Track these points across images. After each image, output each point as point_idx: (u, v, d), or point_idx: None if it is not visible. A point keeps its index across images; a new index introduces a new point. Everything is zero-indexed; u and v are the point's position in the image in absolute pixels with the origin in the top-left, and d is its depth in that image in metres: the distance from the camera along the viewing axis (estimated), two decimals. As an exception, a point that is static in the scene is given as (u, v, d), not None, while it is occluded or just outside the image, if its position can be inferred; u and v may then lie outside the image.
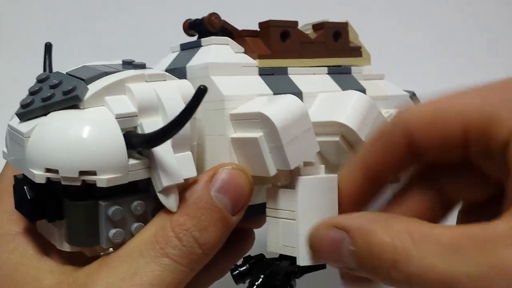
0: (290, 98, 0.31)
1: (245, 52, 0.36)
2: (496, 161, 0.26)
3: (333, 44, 0.39)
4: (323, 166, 0.33)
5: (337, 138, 0.34)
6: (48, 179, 0.28)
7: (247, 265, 0.33)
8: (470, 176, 0.30)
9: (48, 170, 0.28)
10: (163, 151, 0.29)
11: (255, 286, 0.33)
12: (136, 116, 0.29)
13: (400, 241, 0.24)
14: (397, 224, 0.25)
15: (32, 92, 0.31)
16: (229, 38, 0.36)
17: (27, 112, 0.30)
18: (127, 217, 0.29)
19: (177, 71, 0.36)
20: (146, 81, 0.31)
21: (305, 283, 0.36)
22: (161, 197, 0.29)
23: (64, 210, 0.29)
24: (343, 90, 0.38)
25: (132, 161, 0.29)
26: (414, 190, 0.31)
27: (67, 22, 0.61)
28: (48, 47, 0.35)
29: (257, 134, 0.31)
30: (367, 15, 0.65)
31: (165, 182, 0.29)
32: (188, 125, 0.29)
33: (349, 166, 0.32)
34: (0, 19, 0.63)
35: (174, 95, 0.30)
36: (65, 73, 0.32)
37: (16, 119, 0.31)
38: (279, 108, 0.31)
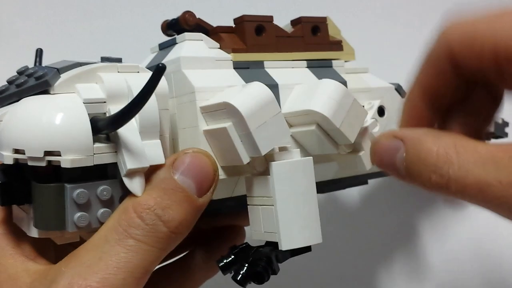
0: (256, 85, 0.32)
1: (220, 48, 0.36)
2: None
3: (312, 38, 0.40)
4: (298, 150, 0.33)
5: (313, 127, 0.34)
6: (17, 161, 0.29)
7: (232, 255, 0.33)
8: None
9: (16, 151, 0.29)
10: (129, 135, 0.29)
11: (239, 275, 0.33)
12: (104, 102, 0.30)
13: (444, 149, 0.27)
14: (445, 137, 0.28)
15: (9, 82, 0.32)
16: (203, 34, 0.36)
17: (1, 98, 0.31)
18: (93, 201, 0.30)
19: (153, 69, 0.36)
20: (119, 72, 0.31)
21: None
22: (126, 180, 0.29)
23: (32, 194, 0.30)
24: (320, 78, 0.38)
25: (97, 145, 0.29)
26: (466, 102, 0.33)
27: (67, 22, 0.61)
28: (39, 53, 0.36)
29: (226, 124, 0.31)
30: (353, 10, 0.65)
31: (130, 165, 0.29)
32: (156, 113, 0.30)
33: (408, 94, 0.33)
34: (0, 19, 0.64)
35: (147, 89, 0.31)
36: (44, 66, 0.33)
37: None
38: (244, 96, 0.31)
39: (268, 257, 0.32)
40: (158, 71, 0.26)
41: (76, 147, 0.29)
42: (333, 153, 0.35)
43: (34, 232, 0.31)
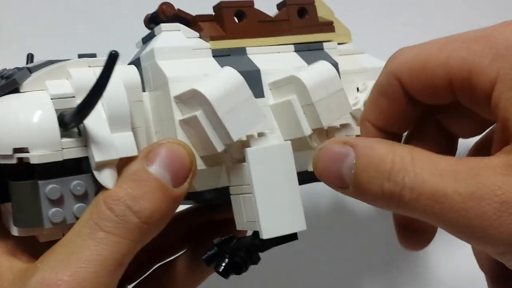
0: (225, 70, 0.31)
1: (200, 37, 0.36)
2: (483, 108, 0.27)
3: (298, 21, 0.38)
4: (278, 134, 0.32)
5: (289, 97, 0.33)
6: None
7: (215, 247, 0.33)
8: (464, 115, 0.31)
9: None
10: (97, 127, 0.29)
11: (221, 267, 0.32)
12: (73, 97, 0.30)
13: (400, 157, 0.26)
14: (400, 146, 0.27)
15: None
16: (180, 24, 0.36)
17: None
18: (67, 197, 0.30)
19: (134, 63, 0.36)
20: (90, 66, 0.31)
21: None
22: (96, 174, 0.29)
23: (9, 192, 0.30)
24: (309, 63, 0.37)
25: (66, 139, 0.29)
26: (419, 130, 0.34)
27: (67, 22, 0.62)
28: (29, 57, 0.36)
29: (197, 111, 0.30)
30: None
31: (97, 157, 0.29)
32: (125, 105, 0.30)
33: (361, 127, 0.33)
34: (0, 19, 0.66)
35: (113, 77, 0.30)
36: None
37: None
38: (212, 82, 0.30)
39: (248, 247, 0.31)
40: (110, 57, 0.26)
41: (43, 143, 0.29)
42: (301, 136, 0.33)
43: (14, 231, 0.31)
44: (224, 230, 0.39)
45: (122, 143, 0.30)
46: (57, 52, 0.65)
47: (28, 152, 0.29)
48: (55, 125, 0.29)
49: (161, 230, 0.30)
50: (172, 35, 0.35)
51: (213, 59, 0.35)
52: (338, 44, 0.40)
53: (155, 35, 0.36)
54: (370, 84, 0.38)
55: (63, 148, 0.29)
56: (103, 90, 0.27)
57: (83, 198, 0.30)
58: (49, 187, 0.29)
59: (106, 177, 0.29)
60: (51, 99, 0.29)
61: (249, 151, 0.30)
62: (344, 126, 0.34)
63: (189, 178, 0.30)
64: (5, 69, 0.34)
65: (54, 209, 0.29)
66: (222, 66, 0.34)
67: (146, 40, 0.37)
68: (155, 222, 0.29)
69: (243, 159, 0.31)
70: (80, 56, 0.34)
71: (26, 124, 0.29)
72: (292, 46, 0.38)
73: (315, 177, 0.30)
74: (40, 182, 0.29)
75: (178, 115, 0.32)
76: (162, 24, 0.35)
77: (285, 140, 0.34)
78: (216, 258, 0.32)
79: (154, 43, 0.34)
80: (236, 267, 0.31)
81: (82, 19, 0.60)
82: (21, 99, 0.30)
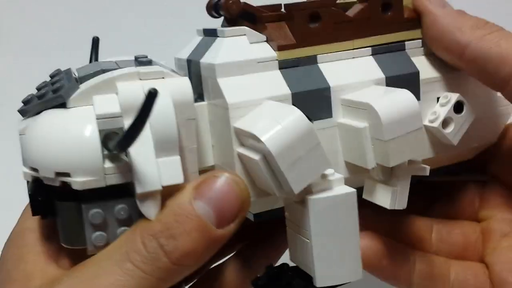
0: (293, 116, 0.28)
1: (267, 41, 0.32)
2: None
3: (381, 18, 0.33)
4: (341, 177, 0.29)
5: (361, 125, 0.30)
6: (36, 178, 0.29)
7: (267, 278, 0.32)
8: None
9: (32, 169, 0.29)
10: (140, 155, 0.27)
11: None
12: (120, 117, 0.28)
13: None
14: None
15: (38, 88, 0.31)
16: (246, 28, 0.32)
17: (25, 109, 0.30)
18: (110, 221, 0.29)
19: (194, 64, 0.33)
20: (141, 79, 0.29)
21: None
22: (138, 203, 0.28)
23: (55, 209, 0.29)
24: (387, 75, 0.33)
25: (109, 164, 0.28)
26: None
27: (67, 22, 0.62)
28: (95, 41, 0.34)
29: (256, 156, 0.28)
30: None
31: (139, 188, 0.27)
32: (173, 128, 0.28)
33: None
34: (0, 19, 0.62)
35: (161, 95, 0.28)
36: (74, 72, 0.32)
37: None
38: (277, 130, 0.27)
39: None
40: (149, 96, 0.24)
41: (86, 169, 0.27)
42: (364, 167, 0.31)
43: (62, 241, 0.31)
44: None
45: (167, 170, 0.28)
46: (57, 53, 0.63)
47: (70, 176, 0.27)
48: (98, 152, 0.27)
49: (196, 268, 0.29)
50: (236, 43, 0.31)
51: (279, 73, 0.31)
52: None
53: (218, 36, 0.32)
54: (453, 98, 0.34)
55: (106, 174, 0.28)
56: (142, 128, 0.25)
57: (126, 221, 0.29)
58: (92, 212, 0.28)
59: (148, 208, 0.28)
60: (97, 119, 0.28)
61: (310, 200, 0.28)
62: (412, 163, 0.31)
63: (237, 220, 0.28)
64: (58, 70, 0.32)
65: (97, 233, 0.29)
66: (289, 80, 0.31)
67: (208, 34, 0.34)
68: (187, 264, 0.28)
69: (302, 201, 0.29)
70: (136, 58, 0.31)
71: (69, 149, 0.27)
72: (370, 49, 0.33)
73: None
74: (83, 205, 0.28)
75: (237, 146, 0.30)
76: (226, 30, 0.31)
77: (345, 161, 0.32)
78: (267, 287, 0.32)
79: (216, 55, 0.31)
80: None
81: (82, 19, 0.58)
82: (65, 120, 0.28)
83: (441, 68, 0.35)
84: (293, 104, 0.30)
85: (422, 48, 0.35)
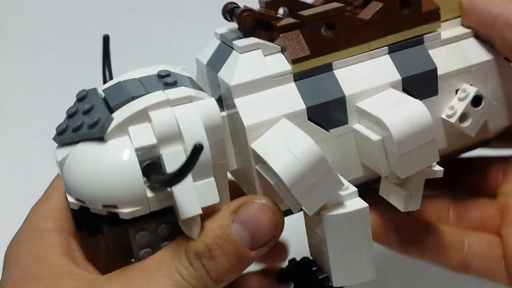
0: (304, 146, 0.29)
1: (282, 51, 0.32)
2: None
3: (399, 16, 0.33)
4: (354, 190, 0.31)
5: (375, 138, 0.31)
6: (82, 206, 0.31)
7: (291, 271, 0.35)
8: None
9: (78, 199, 0.31)
10: (181, 184, 0.29)
11: None
12: (156, 147, 0.30)
13: None
14: None
15: (69, 115, 0.32)
16: (260, 42, 0.32)
17: (61, 139, 0.32)
18: (155, 238, 0.32)
19: (212, 73, 0.34)
20: (171, 105, 0.30)
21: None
22: (181, 225, 0.30)
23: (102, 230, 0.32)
24: (404, 76, 0.33)
25: (151, 194, 0.30)
26: None
27: (67, 22, 0.61)
28: (106, 40, 0.35)
29: (272, 180, 0.30)
30: None
31: (182, 215, 0.29)
32: (208, 153, 0.29)
33: None
34: (0, 19, 0.62)
35: (194, 122, 0.30)
36: (100, 93, 0.33)
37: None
38: (289, 159, 0.28)
39: (319, 284, 0.33)
40: (194, 150, 0.25)
41: (131, 201, 0.30)
42: (378, 173, 0.32)
43: (113, 256, 0.33)
44: None
45: (204, 192, 0.30)
46: (57, 53, 0.61)
47: (117, 208, 0.30)
48: (141, 184, 0.29)
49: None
50: (251, 60, 0.32)
51: (294, 87, 0.32)
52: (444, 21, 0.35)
53: (233, 49, 0.33)
54: (472, 91, 0.34)
55: (149, 203, 0.30)
56: (185, 177, 0.27)
57: (169, 237, 0.32)
58: (139, 235, 0.31)
59: (190, 229, 0.30)
60: (136, 152, 0.29)
61: (325, 216, 0.30)
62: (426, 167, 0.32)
63: (269, 244, 0.31)
64: (84, 92, 0.33)
65: (144, 250, 0.32)
66: (304, 92, 0.32)
67: (225, 42, 0.34)
68: (225, 280, 0.31)
69: (319, 213, 0.31)
70: (159, 76, 0.32)
71: (114, 183, 0.29)
72: (386, 48, 0.33)
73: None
74: (130, 230, 0.31)
75: (255, 163, 0.31)
76: (240, 45, 0.32)
77: (361, 162, 0.34)
78: (290, 279, 0.35)
79: (233, 74, 0.31)
80: None
81: (82, 19, 0.57)
82: (107, 154, 0.30)
83: (461, 58, 0.35)
84: (309, 118, 0.32)
85: (440, 40, 0.34)
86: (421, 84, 0.33)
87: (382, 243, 0.38)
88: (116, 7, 0.63)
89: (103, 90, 0.33)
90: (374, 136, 0.31)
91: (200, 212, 0.29)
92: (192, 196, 0.29)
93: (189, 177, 0.29)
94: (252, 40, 0.32)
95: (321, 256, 0.32)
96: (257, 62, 0.32)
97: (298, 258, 0.36)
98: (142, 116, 0.30)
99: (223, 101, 0.33)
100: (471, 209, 0.39)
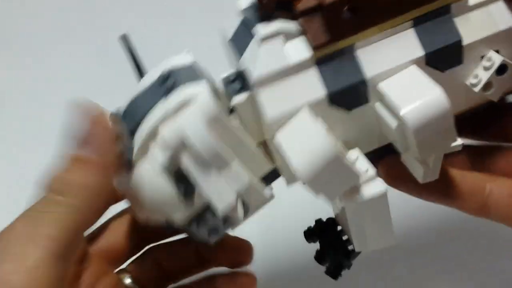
0: (319, 146, 0.29)
1: (303, 33, 0.32)
2: None
3: None
4: (373, 174, 0.32)
5: (394, 125, 0.32)
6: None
7: (318, 230, 0.37)
8: None
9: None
10: (206, 183, 0.31)
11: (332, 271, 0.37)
12: (175, 158, 0.31)
13: None
14: None
15: None
16: (280, 28, 0.31)
17: None
18: (212, 222, 0.34)
19: (234, 53, 0.34)
20: (173, 116, 0.31)
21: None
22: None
23: None
24: (427, 51, 0.32)
25: (186, 206, 0.32)
26: None
27: (67, 22, 0.60)
28: (125, 40, 0.35)
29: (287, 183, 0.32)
30: None
31: (221, 211, 0.31)
32: (214, 147, 0.31)
33: None
34: (0, 19, 0.61)
35: (195, 125, 0.31)
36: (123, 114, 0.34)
37: None
38: (304, 154, 0.30)
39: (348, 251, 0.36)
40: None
41: (177, 212, 0.33)
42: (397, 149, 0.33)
43: None
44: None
45: (233, 179, 0.32)
46: (57, 52, 0.57)
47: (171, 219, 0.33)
48: (177, 196, 0.32)
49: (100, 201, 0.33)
50: (272, 49, 0.31)
51: (315, 72, 0.32)
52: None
53: (253, 35, 0.32)
54: (497, 60, 0.34)
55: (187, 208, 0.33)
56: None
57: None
58: (200, 231, 0.34)
59: (236, 213, 0.32)
60: (163, 172, 0.31)
61: (347, 207, 0.32)
62: None
63: (107, 144, 0.32)
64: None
65: (212, 236, 0.34)
66: (325, 77, 0.32)
67: (245, 22, 0.34)
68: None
69: None
70: (161, 78, 0.33)
71: (160, 203, 0.32)
72: (411, 21, 0.32)
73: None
74: (189, 230, 0.34)
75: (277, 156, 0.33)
76: (261, 34, 0.31)
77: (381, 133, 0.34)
78: (316, 237, 0.37)
79: (254, 66, 0.31)
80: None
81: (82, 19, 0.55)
82: (143, 180, 0.32)
83: (489, 24, 0.33)
84: (330, 102, 0.32)
85: (468, 5, 0.33)
86: (445, 56, 0.33)
87: (400, 188, 0.39)
88: (117, 7, 0.63)
89: (123, 116, 0.34)
90: (393, 122, 0.32)
91: (235, 201, 0.31)
92: (224, 187, 0.31)
93: (211, 174, 0.31)
94: (273, 26, 0.32)
95: (344, 221, 0.34)
96: (279, 50, 0.32)
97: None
98: (155, 133, 0.31)
99: (246, 81, 0.33)
100: (497, 156, 0.39)
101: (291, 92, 0.32)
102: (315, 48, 0.31)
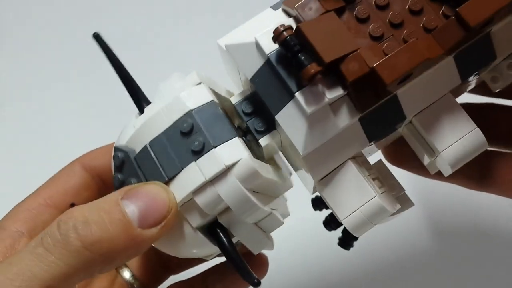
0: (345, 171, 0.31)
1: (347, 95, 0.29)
2: None
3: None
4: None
5: (428, 161, 0.33)
6: None
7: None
8: None
9: None
10: (244, 235, 0.33)
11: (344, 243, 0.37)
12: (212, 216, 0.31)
13: None
14: None
15: None
16: (329, 100, 0.29)
17: None
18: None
19: (260, 94, 0.31)
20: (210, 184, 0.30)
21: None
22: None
23: None
24: (464, 78, 0.31)
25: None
26: None
27: (67, 22, 0.61)
28: (97, 38, 0.32)
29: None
30: None
31: (254, 252, 0.34)
32: (250, 200, 0.30)
33: None
34: (0, 19, 0.60)
35: (236, 193, 0.30)
36: (132, 158, 0.31)
37: None
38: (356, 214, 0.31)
39: None
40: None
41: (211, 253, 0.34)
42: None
43: None
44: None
45: (268, 223, 0.33)
46: (57, 52, 0.57)
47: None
48: (210, 246, 0.32)
49: (114, 267, 0.28)
50: (319, 120, 0.29)
51: (358, 125, 0.31)
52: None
53: (291, 96, 0.29)
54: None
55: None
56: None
57: None
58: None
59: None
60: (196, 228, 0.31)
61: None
62: None
63: (161, 224, 0.28)
64: (119, 162, 0.32)
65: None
66: (367, 126, 0.31)
67: (274, 69, 0.29)
68: (101, 252, 0.26)
69: None
70: (184, 137, 0.30)
71: (197, 252, 0.33)
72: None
73: None
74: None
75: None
76: (306, 106, 0.28)
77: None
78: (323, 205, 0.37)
79: (301, 142, 0.29)
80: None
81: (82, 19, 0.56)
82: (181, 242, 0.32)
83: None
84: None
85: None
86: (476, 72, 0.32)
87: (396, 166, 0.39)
88: (117, 7, 0.63)
89: (135, 158, 0.31)
90: (426, 159, 0.33)
91: (272, 243, 0.34)
92: (259, 236, 0.33)
93: (247, 227, 0.32)
94: (321, 101, 0.28)
95: None
96: (326, 120, 0.29)
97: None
98: (189, 199, 0.30)
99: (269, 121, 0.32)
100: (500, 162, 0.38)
101: (336, 150, 0.31)
102: (362, 110, 0.30)
